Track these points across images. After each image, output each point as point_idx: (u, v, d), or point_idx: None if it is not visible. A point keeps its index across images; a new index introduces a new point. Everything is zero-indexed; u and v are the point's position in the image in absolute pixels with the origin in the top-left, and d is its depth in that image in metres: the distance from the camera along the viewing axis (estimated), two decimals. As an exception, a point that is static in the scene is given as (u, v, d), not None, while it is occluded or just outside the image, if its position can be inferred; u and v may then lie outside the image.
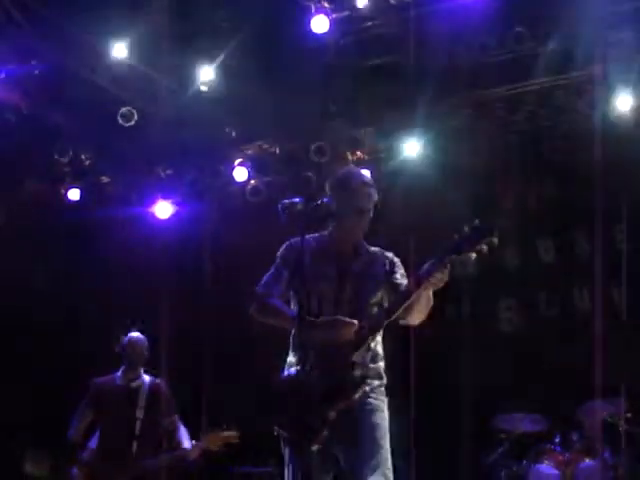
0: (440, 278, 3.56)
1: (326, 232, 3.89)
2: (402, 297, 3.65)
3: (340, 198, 3.76)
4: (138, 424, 5.85)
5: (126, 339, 6.04)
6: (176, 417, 6.01)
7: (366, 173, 4.10)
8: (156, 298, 8.36)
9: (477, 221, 3.55)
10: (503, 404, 7.09)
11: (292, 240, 3.87)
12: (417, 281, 3.60)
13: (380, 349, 3.81)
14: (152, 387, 6.00)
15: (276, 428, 3.67)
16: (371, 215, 3.86)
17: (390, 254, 3.93)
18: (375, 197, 3.86)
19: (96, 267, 8.28)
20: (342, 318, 3.67)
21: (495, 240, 3.52)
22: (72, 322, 8.13)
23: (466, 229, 3.54)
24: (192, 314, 8.39)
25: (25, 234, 8.20)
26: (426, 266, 3.58)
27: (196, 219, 8.29)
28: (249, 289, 4.01)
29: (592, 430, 6.77)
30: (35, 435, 8.07)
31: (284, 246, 3.91)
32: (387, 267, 3.86)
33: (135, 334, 6.09)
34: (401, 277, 3.85)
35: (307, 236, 3.81)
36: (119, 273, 8.30)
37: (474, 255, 3.53)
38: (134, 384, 5.97)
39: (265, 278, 3.90)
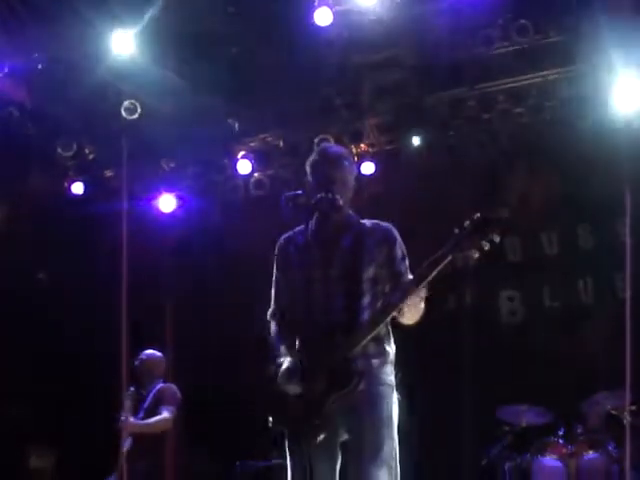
0: (442, 272, 3.45)
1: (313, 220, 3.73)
2: (400, 295, 3.52)
3: (314, 174, 3.70)
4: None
5: (138, 357, 6.43)
6: (165, 408, 6.18)
7: (339, 147, 3.98)
8: (159, 291, 8.38)
9: (478, 214, 3.45)
10: (506, 397, 7.08)
11: (280, 239, 3.82)
12: (418, 279, 3.49)
13: (384, 330, 3.67)
14: (156, 392, 6.32)
15: (272, 422, 3.62)
16: (350, 186, 3.72)
17: (386, 226, 3.75)
18: (351, 167, 3.76)
19: (100, 260, 8.29)
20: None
21: (497, 237, 3.42)
22: (75, 316, 8.14)
23: (467, 223, 3.44)
24: (195, 307, 8.41)
25: (29, 228, 8.21)
26: (425, 265, 3.47)
27: (200, 212, 8.30)
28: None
29: (596, 423, 6.77)
30: (38, 429, 8.11)
31: (275, 249, 3.83)
32: (384, 246, 3.68)
33: (149, 352, 6.48)
34: (402, 261, 3.69)
35: (294, 230, 3.76)
36: (122, 267, 8.31)
37: (477, 253, 3.43)
38: (145, 392, 6.31)
39: (272, 297, 3.85)
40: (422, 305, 3.58)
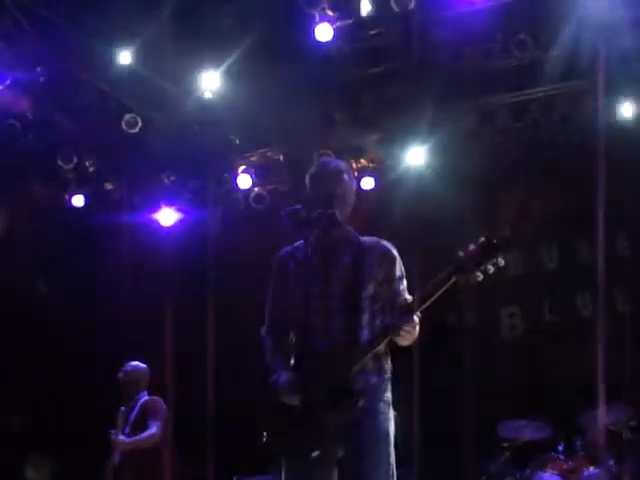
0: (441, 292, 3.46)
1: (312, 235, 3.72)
2: (402, 316, 3.50)
3: (314, 189, 3.69)
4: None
5: (122, 369, 6.39)
6: (152, 423, 6.14)
7: (339, 162, 3.99)
8: (159, 305, 8.37)
9: (483, 238, 3.44)
10: (506, 412, 7.07)
11: (278, 254, 3.81)
12: (421, 300, 3.49)
13: (382, 348, 3.63)
14: (142, 405, 6.28)
15: (267, 438, 3.62)
16: (350, 202, 3.72)
17: (386, 244, 3.74)
18: (351, 182, 3.76)
19: (100, 273, 8.29)
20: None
21: (501, 261, 3.42)
22: (74, 328, 8.14)
23: (472, 246, 3.44)
24: (195, 321, 8.39)
25: (29, 240, 8.21)
26: (428, 286, 3.47)
27: (200, 226, 8.29)
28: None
29: (596, 438, 6.76)
30: (36, 439, 8.09)
31: (273, 263, 3.81)
32: (384, 264, 3.67)
33: (133, 363, 6.44)
34: (400, 280, 3.69)
35: (293, 245, 3.76)
36: (122, 280, 8.32)
37: (480, 276, 3.43)
38: (128, 407, 6.28)
39: (266, 311, 3.84)
40: (417, 328, 3.57)
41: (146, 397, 6.35)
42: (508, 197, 7.88)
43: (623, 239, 7.52)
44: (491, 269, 3.43)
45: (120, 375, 6.38)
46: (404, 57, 6.74)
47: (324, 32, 6.34)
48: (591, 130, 6.81)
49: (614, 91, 6.62)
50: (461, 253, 3.46)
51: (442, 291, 3.46)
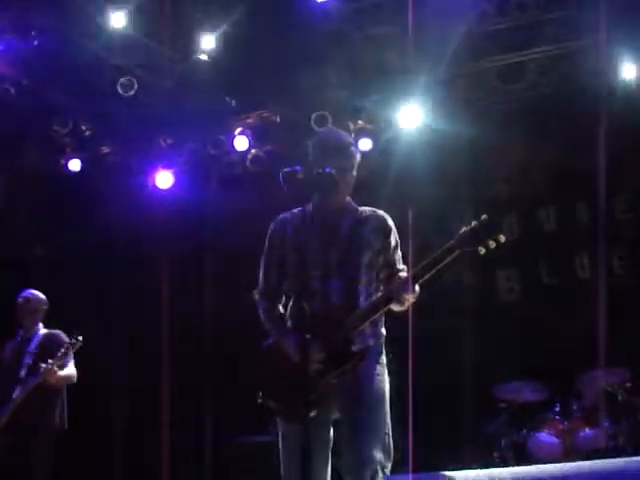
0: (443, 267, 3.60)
1: (310, 203, 3.80)
2: (403, 286, 3.61)
3: (316, 160, 3.72)
4: (24, 369, 5.91)
5: (22, 295, 6.20)
6: (70, 362, 5.93)
7: (346, 134, 4.02)
8: (156, 268, 8.38)
9: (485, 216, 3.61)
10: (503, 373, 7.12)
11: (276, 219, 3.86)
12: (423, 270, 3.60)
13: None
14: (45, 336, 6.07)
15: (261, 398, 3.67)
16: (354, 174, 3.79)
17: (382, 215, 3.84)
18: (354, 156, 3.80)
19: (97, 237, 8.28)
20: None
21: (503, 237, 3.58)
22: (72, 293, 8.15)
23: (474, 224, 3.59)
24: (192, 284, 8.41)
25: (26, 205, 8.20)
26: (431, 258, 3.59)
27: (197, 188, 8.28)
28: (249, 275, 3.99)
29: (592, 399, 6.81)
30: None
31: (270, 228, 3.86)
32: (381, 234, 3.78)
33: (33, 291, 6.24)
34: (395, 249, 3.79)
35: (291, 211, 3.82)
36: (119, 243, 8.31)
37: (483, 250, 3.59)
38: (27, 335, 6.09)
39: (260, 275, 3.87)
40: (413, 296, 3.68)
41: (45, 330, 6.12)
42: (506, 159, 7.85)
43: (621, 201, 7.51)
44: (493, 244, 3.59)
45: (20, 301, 6.14)
46: (401, 18, 6.67)
47: (323, -8, 6.29)
48: (591, 91, 6.79)
49: (615, 51, 6.56)
50: (464, 228, 3.61)
51: (444, 264, 3.59)
